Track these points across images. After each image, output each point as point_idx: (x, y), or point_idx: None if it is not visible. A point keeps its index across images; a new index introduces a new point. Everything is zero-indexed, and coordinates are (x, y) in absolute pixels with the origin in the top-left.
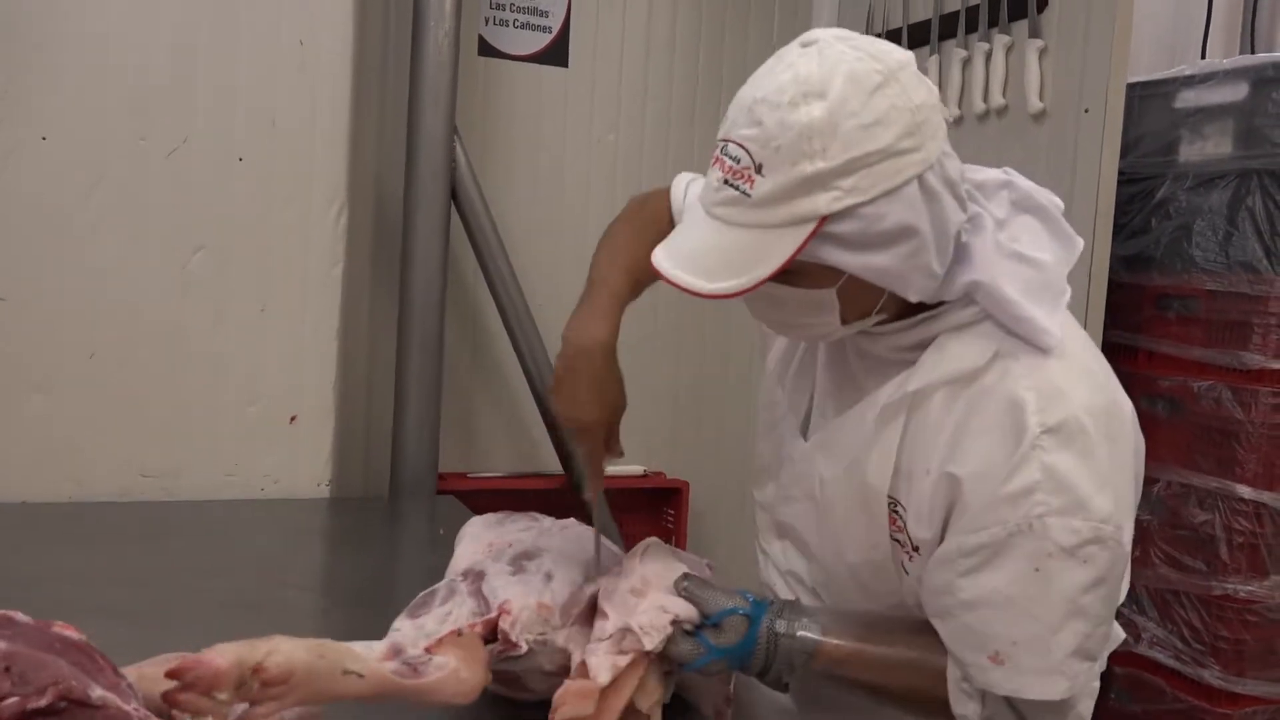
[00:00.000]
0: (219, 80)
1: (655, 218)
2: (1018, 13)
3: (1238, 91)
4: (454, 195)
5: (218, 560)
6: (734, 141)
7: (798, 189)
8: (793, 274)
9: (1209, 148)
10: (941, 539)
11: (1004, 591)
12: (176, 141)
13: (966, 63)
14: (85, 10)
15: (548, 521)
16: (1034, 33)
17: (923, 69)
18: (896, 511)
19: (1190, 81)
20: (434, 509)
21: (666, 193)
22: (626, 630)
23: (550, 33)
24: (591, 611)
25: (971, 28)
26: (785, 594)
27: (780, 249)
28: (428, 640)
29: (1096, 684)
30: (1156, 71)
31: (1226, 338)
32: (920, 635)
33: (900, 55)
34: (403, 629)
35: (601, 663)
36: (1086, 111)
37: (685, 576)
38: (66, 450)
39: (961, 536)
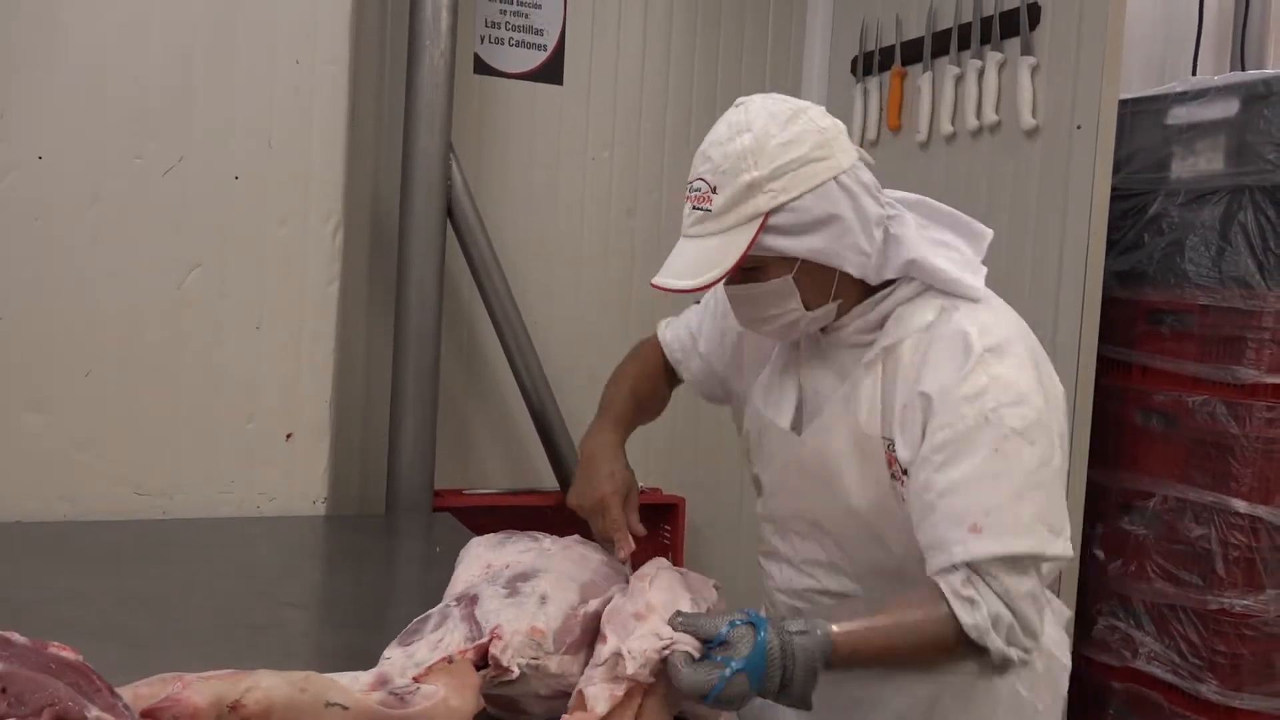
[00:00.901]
0: (215, 99)
1: (648, 355)
2: (1010, 30)
3: (1229, 108)
4: (450, 213)
5: (214, 579)
6: (696, 179)
7: (743, 196)
8: (755, 270)
9: (1201, 164)
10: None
11: (973, 473)
12: (173, 160)
13: (959, 79)
14: (82, 30)
15: (549, 541)
16: (1026, 50)
17: (916, 86)
18: (891, 450)
19: (1182, 98)
20: (430, 526)
21: (655, 338)
22: (618, 655)
23: (545, 51)
24: (588, 636)
25: (964, 45)
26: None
27: (739, 243)
28: (417, 669)
29: (1063, 611)
30: (1148, 88)
31: (1220, 352)
32: (915, 591)
33: (808, 102)
34: (393, 658)
35: (599, 693)
36: (1079, 128)
37: (679, 613)
38: (62, 468)
39: (932, 436)
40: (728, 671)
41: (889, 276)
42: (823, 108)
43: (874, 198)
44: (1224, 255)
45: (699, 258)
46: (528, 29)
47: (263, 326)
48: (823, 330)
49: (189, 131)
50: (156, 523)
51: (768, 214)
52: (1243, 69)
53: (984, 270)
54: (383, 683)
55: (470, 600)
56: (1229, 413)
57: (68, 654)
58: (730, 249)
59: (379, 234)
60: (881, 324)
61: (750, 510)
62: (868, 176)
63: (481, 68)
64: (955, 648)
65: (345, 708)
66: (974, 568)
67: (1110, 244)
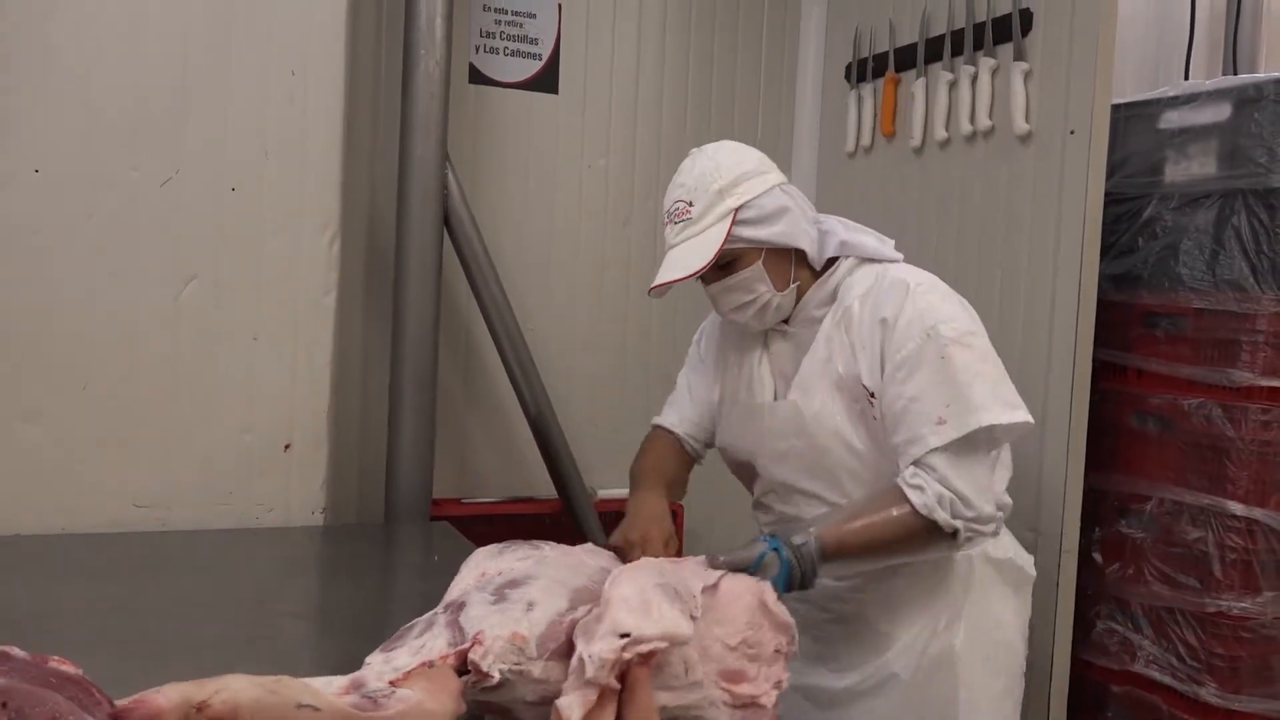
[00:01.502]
0: (211, 111)
1: (656, 446)
2: (1002, 36)
3: (1221, 112)
4: (446, 222)
5: (213, 590)
6: (673, 203)
7: (715, 199)
8: (730, 265)
9: (1194, 168)
10: (881, 377)
11: (928, 380)
12: (169, 172)
13: (952, 86)
14: (76, 42)
15: (549, 549)
16: (1019, 55)
17: (910, 92)
18: (862, 385)
19: (1174, 102)
20: (429, 535)
21: (653, 433)
22: (581, 660)
23: (540, 60)
24: (573, 642)
25: (957, 51)
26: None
27: (718, 235)
28: (396, 674)
29: (1008, 470)
30: (1139, 93)
31: (1215, 355)
32: (879, 493)
33: (745, 145)
34: (373, 663)
35: (571, 701)
36: (1072, 133)
37: (717, 558)
38: (59, 481)
39: (892, 358)
40: (775, 571)
41: (828, 256)
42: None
43: (807, 205)
44: (1218, 259)
45: (685, 256)
46: (522, 38)
47: (260, 337)
48: (784, 321)
49: (185, 143)
50: (155, 535)
51: (736, 210)
52: (1234, 73)
53: (891, 246)
54: (357, 686)
55: (457, 607)
56: (1224, 415)
57: (68, 668)
58: (711, 241)
59: (375, 244)
60: (833, 297)
61: (744, 517)
62: (799, 191)
63: (477, 77)
64: (919, 529)
65: (317, 709)
66: (919, 461)
67: (1105, 248)
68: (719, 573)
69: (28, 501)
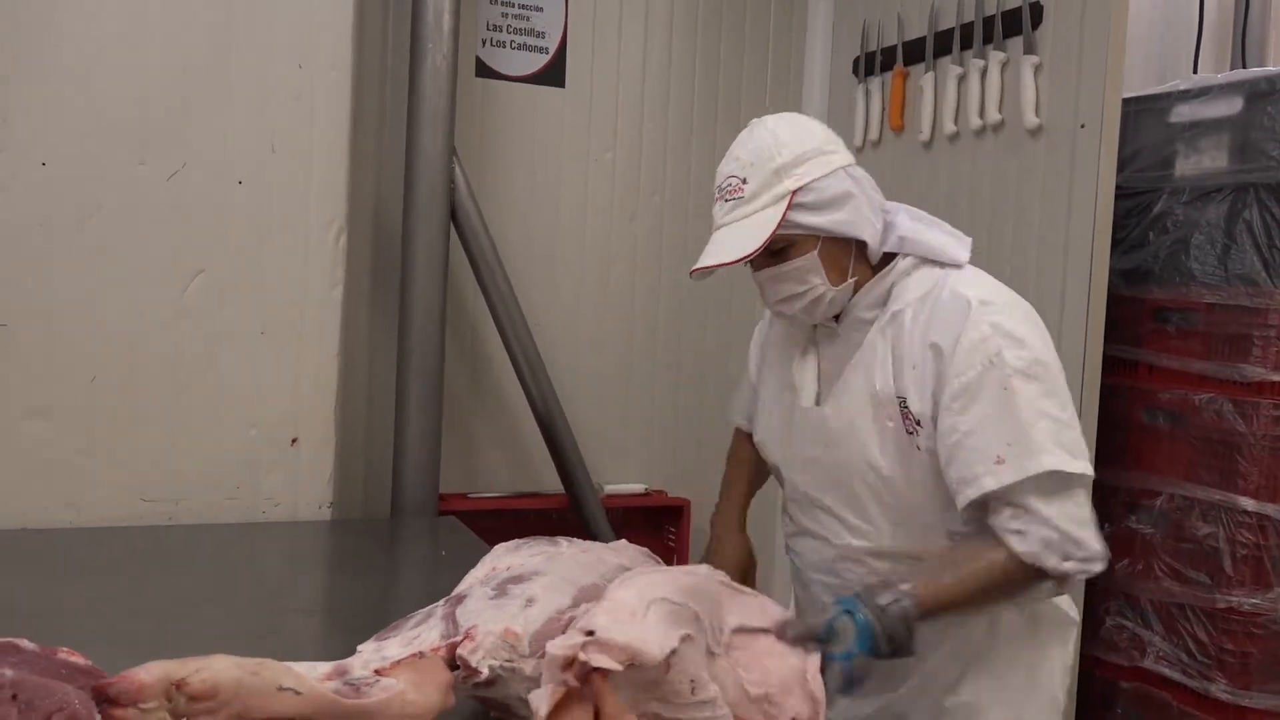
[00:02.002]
0: (218, 105)
1: (738, 448)
2: (1012, 29)
3: (1232, 105)
4: (453, 216)
5: (220, 584)
6: (725, 178)
7: (771, 179)
8: (783, 251)
9: (1205, 161)
10: (934, 405)
11: (989, 411)
12: (176, 166)
13: (962, 79)
14: (82, 38)
15: (566, 545)
16: (1029, 49)
17: (918, 86)
18: (904, 408)
19: (1185, 96)
20: (435, 530)
21: (735, 433)
22: (551, 661)
23: (547, 54)
24: None
25: (966, 44)
26: (819, 596)
27: (771, 218)
28: (383, 663)
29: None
30: (1147, 86)
31: (1226, 350)
32: (975, 543)
33: (812, 119)
34: (364, 651)
35: (540, 695)
36: (1083, 127)
37: (788, 625)
38: (67, 475)
39: (950, 385)
40: (846, 663)
41: (889, 250)
42: (823, 126)
43: (871, 187)
44: (1229, 253)
45: (734, 239)
46: (529, 32)
47: (267, 332)
48: (835, 317)
49: (191, 138)
50: (162, 529)
51: (794, 192)
52: (1244, 66)
53: (969, 241)
54: (341, 673)
55: (456, 600)
56: (1235, 411)
57: (77, 659)
58: (764, 224)
59: (382, 238)
60: (886, 298)
61: (755, 511)
62: (867, 175)
63: (483, 71)
64: (1022, 577)
65: (298, 692)
66: (1014, 503)
67: (1115, 242)
68: (771, 617)
69: (36, 496)
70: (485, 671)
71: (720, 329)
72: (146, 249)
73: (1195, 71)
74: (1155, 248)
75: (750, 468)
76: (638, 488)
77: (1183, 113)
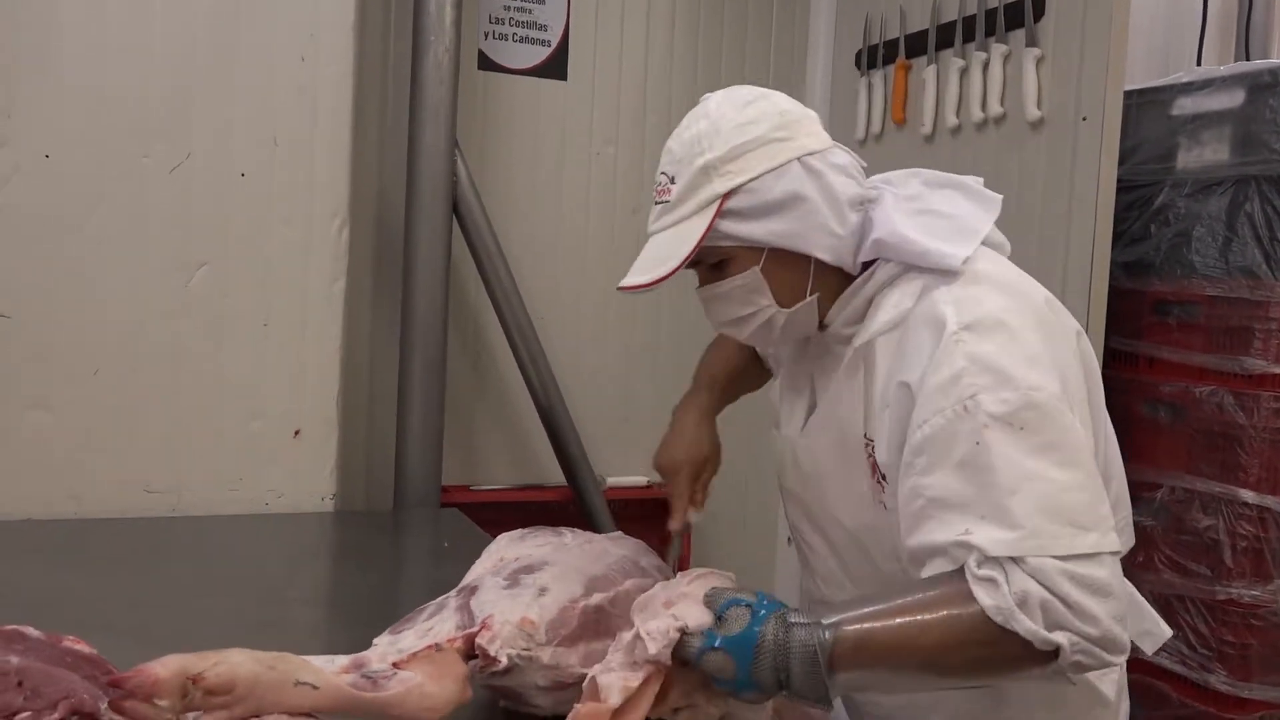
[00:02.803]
0: (220, 97)
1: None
2: (1014, 22)
3: (1234, 98)
4: (455, 208)
5: (223, 576)
6: (659, 174)
7: (698, 179)
8: (720, 266)
9: (1207, 154)
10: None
11: (956, 474)
12: (179, 158)
13: (964, 72)
14: (87, 30)
15: (570, 536)
16: (1031, 41)
17: (920, 79)
18: (871, 451)
19: (1187, 88)
20: (438, 522)
21: None
22: (636, 637)
23: (549, 46)
24: (588, 629)
25: (968, 37)
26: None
27: (695, 230)
28: (399, 656)
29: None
30: (1151, 79)
31: (1227, 343)
32: (939, 585)
33: (773, 91)
34: (380, 644)
35: (612, 683)
36: (1084, 119)
37: (714, 588)
38: (70, 467)
39: (912, 436)
40: (704, 643)
41: (864, 259)
42: (787, 99)
43: (851, 178)
44: (1230, 246)
45: (657, 252)
46: (531, 24)
47: (269, 324)
48: (821, 327)
49: (194, 130)
50: (165, 520)
51: (724, 196)
52: (1247, 59)
53: (977, 234)
54: (358, 666)
55: (469, 591)
56: (1236, 403)
57: (82, 647)
58: (687, 237)
59: (384, 231)
60: (864, 313)
61: (754, 507)
62: (844, 159)
63: (486, 64)
64: (986, 642)
65: (315, 687)
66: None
67: (1116, 235)
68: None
69: (39, 487)
70: (504, 661)
71: None
72: (149, 242)
73: (1199, 64)
74: (1156, 240)
75: (746, 355)
76: (640, 480)
77: (1185, 105)
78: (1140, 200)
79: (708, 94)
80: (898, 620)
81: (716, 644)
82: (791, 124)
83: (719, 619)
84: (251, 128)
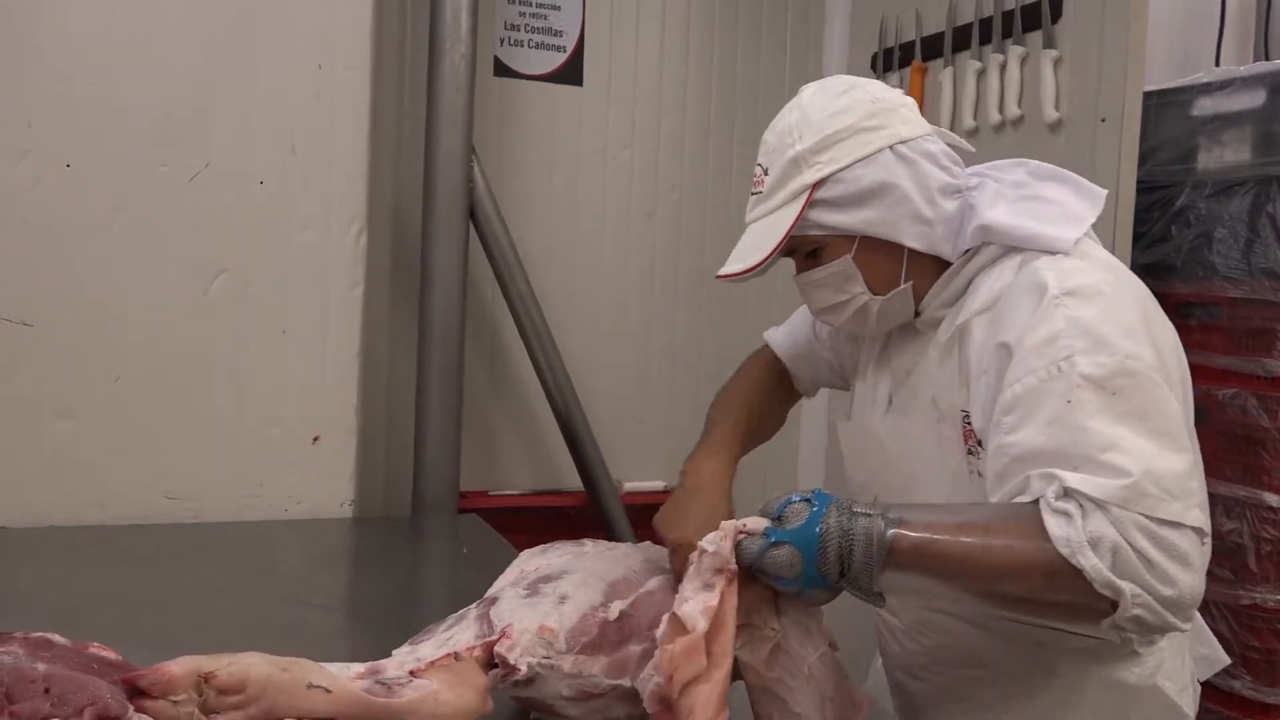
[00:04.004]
0: (239, 105)
1: (756, 372)
2: (1032, 23)
3: (1255, 98)
4: (472, 215)
5: (243, 581)
6: (756, 166)
7: (789, 170)
8: (815, 254)
9: (1228, 154)
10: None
11: (1045, 431)
12: (198, 167)
13: (981, 74)
14: (106, 40)
15: (591, 545)
16: (1048, 43)
17: (937, 82)
18: (967, 423)
19: (1207, 89)
20: (456, 527)
21: (762, 351)
22: (701, 551)
23: (565, 52)
24: (610, 638)
25: (985, 39)
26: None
27: (785, 220)
28: (417, 664)
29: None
30: (1170, 79)
31: (1250, 345)
32: (1010, 508)
33: (867, 79)
34: (398, 654)
35: (693, 610)
36: (1103, 121)
37: (768, 500)
38: (92, 474)
39: (1003, 394)
40: (766, 541)
41: (966, 247)
42: (885, 88)
43: (940, 166)
44: (1252, 247)
45: (751, 241)
46: (547, 30)
47: (288, 330)
48: (915, 316)
49: (213, 138)
50: (186, 526)
51: (814, 186)
52: (1266, 59)
53: (1084, 221)
54: (374, 673)
55: (489, 602)
56: (1259, 406)
57: (108, 653)
58: (777, 228)
59: (402, 237)
60: (962, 293)
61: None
62: (937, 147)
63: (502, 70)
64: (1048, 572)
65: (328, 691)
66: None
67: (1137, 237)
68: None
69: (62, 494)
70: (523, 669)
71: (739, 325)
72: (169, 250)
73: (1218, 64)
74: (1177, 242)
75: (758, 406)
76: (657, 485)
77: (1205, 105)
78: (1160, 202)
79: (805, 84)
80: (961, 533)
81: (783, 538)
82: (884, 112)
83: (777, 519)
84: (269, 135)
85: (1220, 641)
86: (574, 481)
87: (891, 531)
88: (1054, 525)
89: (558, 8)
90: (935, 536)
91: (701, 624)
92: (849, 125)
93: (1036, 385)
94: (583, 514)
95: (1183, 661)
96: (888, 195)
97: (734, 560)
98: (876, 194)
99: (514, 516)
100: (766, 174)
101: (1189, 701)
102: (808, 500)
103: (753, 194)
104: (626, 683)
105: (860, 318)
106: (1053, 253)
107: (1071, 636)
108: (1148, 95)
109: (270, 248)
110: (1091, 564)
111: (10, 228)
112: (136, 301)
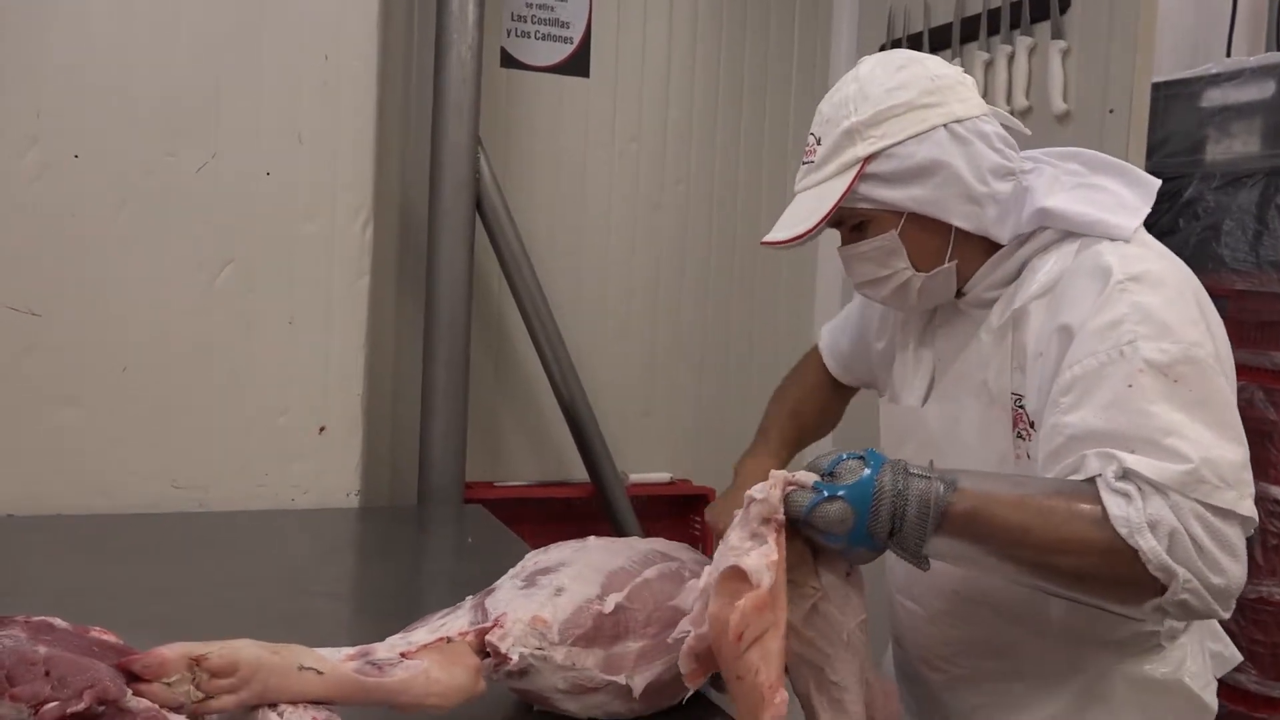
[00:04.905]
0: (246, 96)
1: (807, 372)
2: (1040, 14)
3: (1265, 89)
4: (478, 206)
5: (249, 570)
6: (809, 135)
7: (842, 142)
8: (859, 228)
9: (1236, 146)
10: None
11: (1104, 413)
12: (205, 157)
13: (989, 65)
14: (113, 30)
15: (594, 539)
16: (1057, 34)
17: None
18: (1019, 406)
19: (1216, 80)
20: (461, 518)
21: (815, 350)
22: (750, 500)
23: (571, 43)
24: (604, 631)
25: (994, 30)
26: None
27: (835, 190)
28: (408, 647)
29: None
30: (1180, 70)
31: (1258, 338)
32: (1066, 483)
33: (926, 55)
34: (391, 639)
35: (758, 564)
36: (1111, 112)
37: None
38: (99, 463)
39: (1062, 375)
40: (817, 496)
41: (1023, 231)
42: (943, 64)
43: (994, 148)
44: (1261, 239)
45: (799, 210)
46: (554, 22)
47: (295, 321)
48: (957, 296)
49: (220, 129)
50: (193, 516)
51: (866, 160)
52: (1278, 49)
53: (1140, 212)
54: (364, 654)
55: (486, 592)
56: (1267, 399)
57: (109, 637)
58: (825, 198)
59: (408, 228)
60: (1015, 275)
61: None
62: (992, 128)
63: (508, 61)
64: (1101, 549)
65: (319, 672)
66: (1134, 474)
67: (1145, 228)
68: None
69: (69, 483)
70: (515, 658)
71: (745, 316)
72: (176, 240)
73: (1229, 55)
74: (1185, 234)
75: (810, 406)
76: (663, 476)
77: (1214, 97)
78: (1168, 193)
79: (864, 57)
80: (1018, 503)
81: (838, 493)
82: (942, 89)
83: (828, 475)
84: (276, 126)
85: (1226, 636)
86: (579, 473)
87: (947, 495)
88: (1113, 504)
89: None
90: (991, 504)
91: (767, 579)
92: (905, 101)
93: (1097, 367)
94: (588, 505)
95: (1203, 658)
96: (939, 173)
97: (782, 510)
98: (928, 171)
99: (519, 507)
100: (819, 144)
101: (1211, 696)
102: (861, 458)
103: (804, 163)
104: (621, 679)
105: (901, 294)
106: (1112, 240)
107: (1102, 627)
108: (1156, 86)
109: (277, 238)
110: (1150, 545)
111: (18, 217)
112: (143, 291)
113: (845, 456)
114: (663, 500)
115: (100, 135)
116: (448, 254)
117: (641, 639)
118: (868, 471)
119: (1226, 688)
